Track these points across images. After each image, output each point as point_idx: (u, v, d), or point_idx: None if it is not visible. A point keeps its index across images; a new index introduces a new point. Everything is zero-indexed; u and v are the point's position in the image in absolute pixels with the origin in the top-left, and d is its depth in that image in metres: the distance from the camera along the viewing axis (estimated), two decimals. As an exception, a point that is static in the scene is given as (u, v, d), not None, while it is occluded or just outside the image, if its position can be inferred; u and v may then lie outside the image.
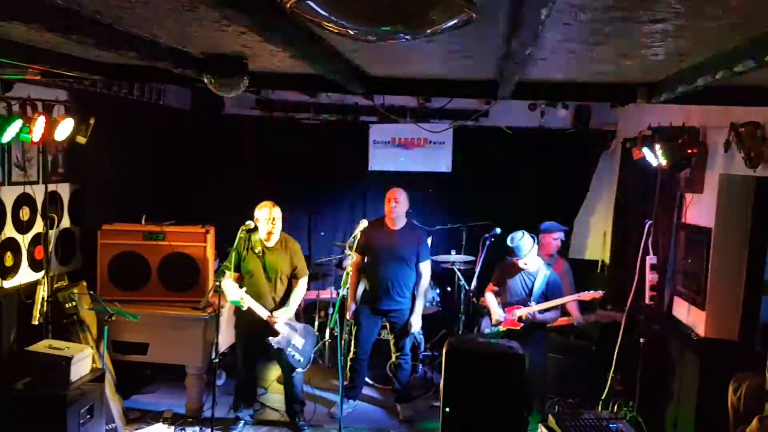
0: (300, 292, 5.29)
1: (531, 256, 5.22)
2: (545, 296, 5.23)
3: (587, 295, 5.29)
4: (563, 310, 5.50)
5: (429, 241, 6.56)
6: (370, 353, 5.83)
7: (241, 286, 5.04)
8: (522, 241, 5.20)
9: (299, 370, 5.30)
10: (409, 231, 5.67)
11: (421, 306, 5.69)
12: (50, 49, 3.33)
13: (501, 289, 5.46)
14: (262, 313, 5.04)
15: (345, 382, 5.57)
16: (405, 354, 5.76)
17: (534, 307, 5.19)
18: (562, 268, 6.05)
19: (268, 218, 5.05)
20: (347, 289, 5.54)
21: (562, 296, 5.30)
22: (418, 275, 5.67)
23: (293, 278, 5.27)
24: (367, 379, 6.13)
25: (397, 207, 5.55)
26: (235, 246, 4.95)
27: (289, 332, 5.19)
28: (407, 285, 5.64)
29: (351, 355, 5.82)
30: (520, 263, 5.25)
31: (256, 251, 5.13)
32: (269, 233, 5.08)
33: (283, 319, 5.14)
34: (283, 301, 5.21)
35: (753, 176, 4.06)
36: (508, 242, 5.25)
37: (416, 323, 5.67)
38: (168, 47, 3.05)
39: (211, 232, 5.63)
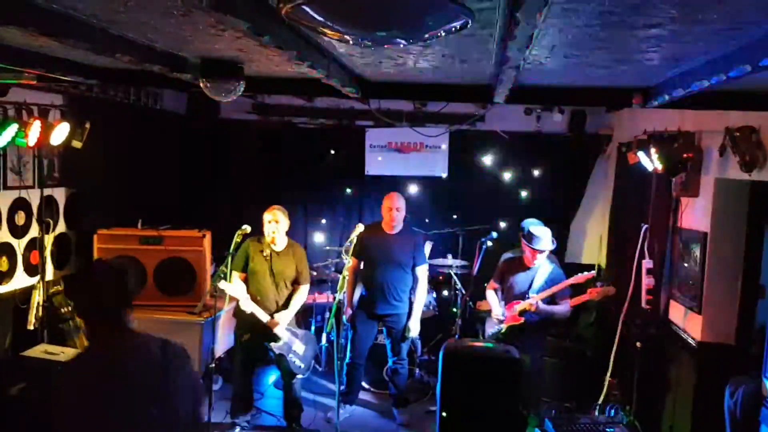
0: (300, 297, 5.30)
1: (543, 256, 5.12)
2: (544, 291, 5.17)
3: (581, 277, 5.12)
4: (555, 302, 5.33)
5: (428, 247, 6.57)
6: (366, 358, 5.83)
7: (247, 288, 5.10)
8: (544, 232, 5.06)
9: (299, 376, 5.29)
10: (406, 235, 5.66)
11: (419, 310, 5.68)
12: (45, 53, 3.32)
13: (503, 285, 5.40)
14: (263, 317, 5.04)
15: (342, 387, 5.56)
16: (402, 359, 5.75)
17: (536, 297, 5.07)
18: None
19: (270, 220, 5.08)
20: (343, 293, 5.53)
21: (565, 291, 5.22)
22: (415, 279, 5.67)
23: (295, 284, 5.28)
24: (363, 384, 6.12)
25: (398, 215, 5.55)
26: (230, 250, 4.94)
27: (290, 338, 5.19)
28: (404, 289, 5.63)
29: (348, 359, 5.81)
30: (538, 257, 5.10)
31: (264, 254, 5.14)
32: (270, 236, 5.09)
33: (284, 322, 5.15)
34: (285, 305, 5.22)
35: (748, 180, 4.07)
36: (529, 227, 5.09)
37: (415, 328, 5.67)
38: (163, 51, 3.04)
39: (208, 237, 5.62)
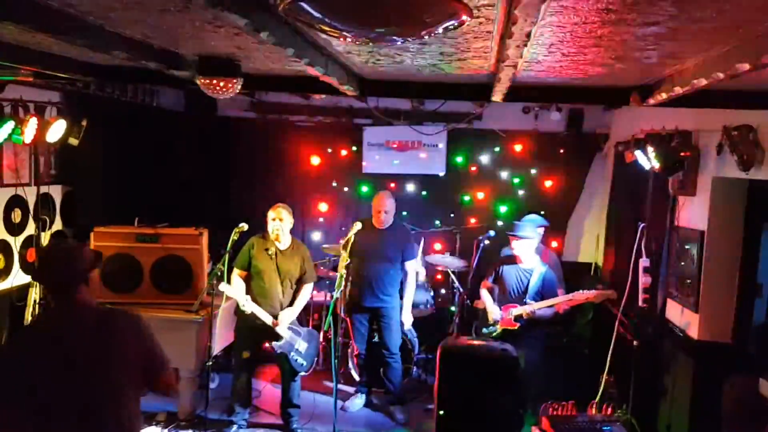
0: (304, 296, 5.30)
1: (528, 246, 5.24)
2: (541, 294, 5.21)
3: (581, 296, 5.18)
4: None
5: (420, 247, 6.57)
6: (366, 351, 5.91)
7: (248, 286, 5.09)
8: (526, 222, 5.25)
9: (302, 373, 5.29)
10: (395, 230, 5.72)
11: (409, 302, 5.78)
12: (42, 50, 3.31)
13: (496, 283, 5.47)
14: (266, 318, 5.04)
15: (358, 378, 5.93)
16: (393, 353, 5.77)
17: (533, 306, 5.16)
18: (549, 261, 6.01)
19: (274, 218, 5.09)
20: (341, 291, 5.53)
21: (557, 293, 5.28)
22: (405, 274, 5.70)
23: (299, 282, 5.28)
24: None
25: (386, 217, 5.63)
26: (228, 248, 4.92)
27: (292, 336, 5.18)
28: (391, 283, 5.69)
29: (355, 352, 5.97)
30: (514, 245, 5.25)
31: (269, 252, 5.14)
32: (274, 234, 5.08)
33: (286, 322, 5.14)
34: (289, 304, 5.22)
35: (745, 179, 4.07)
36: (515, 222, 5.33)
37: (407, 319, 5.77)
38: (160, 49, 3.04)
39: (205, 235, 5.60)
